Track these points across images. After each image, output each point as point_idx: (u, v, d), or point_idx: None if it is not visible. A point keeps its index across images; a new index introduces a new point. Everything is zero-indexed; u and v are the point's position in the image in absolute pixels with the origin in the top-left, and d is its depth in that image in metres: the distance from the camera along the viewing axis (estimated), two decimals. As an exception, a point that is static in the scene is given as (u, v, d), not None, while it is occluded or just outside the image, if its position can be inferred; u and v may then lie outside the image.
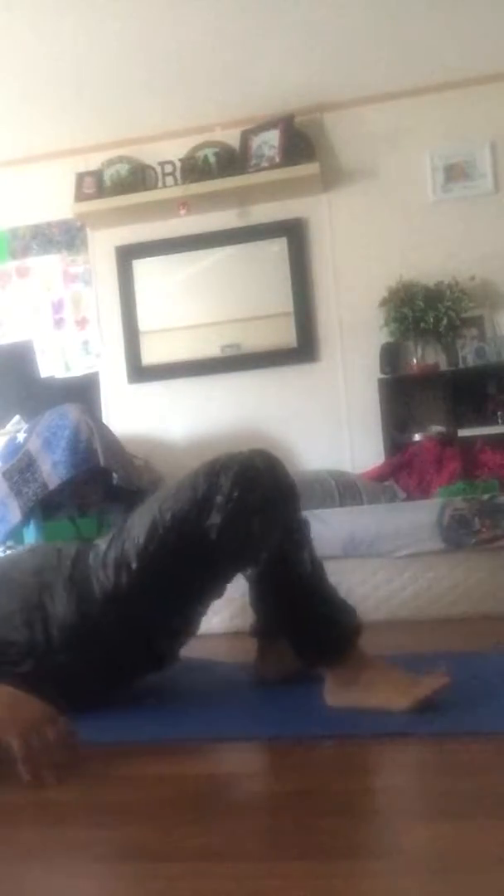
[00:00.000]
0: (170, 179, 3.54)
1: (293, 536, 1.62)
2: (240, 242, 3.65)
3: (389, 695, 1.51)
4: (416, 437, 3.32)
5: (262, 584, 1.69)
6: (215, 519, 1.51)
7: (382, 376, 3.41)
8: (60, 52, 3.01)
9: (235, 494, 1.51)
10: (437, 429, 3.32)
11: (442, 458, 3.12)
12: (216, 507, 1.51)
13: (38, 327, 3.82)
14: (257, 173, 3.48)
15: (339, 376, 3.59)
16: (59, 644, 1.60)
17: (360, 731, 1.42)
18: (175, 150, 3.59)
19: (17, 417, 3.68)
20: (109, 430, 3.20)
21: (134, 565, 1.58)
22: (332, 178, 3.58)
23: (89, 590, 1.61)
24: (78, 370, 3.80)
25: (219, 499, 1.51)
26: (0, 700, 1.36)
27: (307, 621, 1.62)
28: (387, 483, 3.11)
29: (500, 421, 3.25)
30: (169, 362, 3.68)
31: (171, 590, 1.62)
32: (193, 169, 3.52)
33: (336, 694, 1.57)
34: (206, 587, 1.66)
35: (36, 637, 1.61)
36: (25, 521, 2.97)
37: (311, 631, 1.62)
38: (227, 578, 1.67)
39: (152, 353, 3.71)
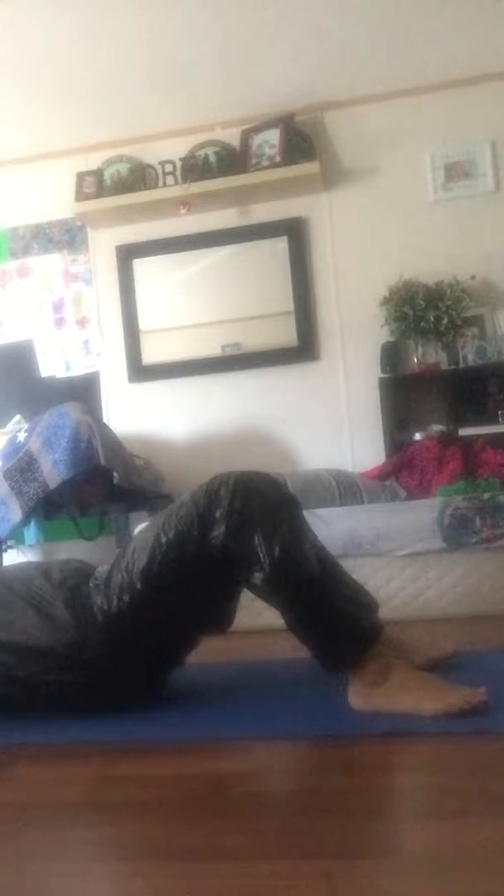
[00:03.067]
0: (170, 179, 3.54)
1: (297, 542, 1.58)
2: (240, 242, 3.65)
3: (421, 698, 1.46)
4: (417, 436, 3.32)
5: (270, 592, 1.60)
6: (218, 529, 1.55)
7: (383, 375, 3.41)
8: (61, 51, 3.02)
9: (237, 504, 1.56)
10: (437, 428, 3.32)
11: (442, 457, 3.11)
12: (218, 519, 1.56)
13: (38, 327, 3.82)
14: (258, 172, 3.47)
15: (340, 375, 3.59)
16: (46, 667, 1.62)
17: (361, 731, 1.42)
18: (175, 150, 3.59)
19: (17, 417, 3.68)
20: (110, 430, 3.21)
21: (139, 586, 1.59)
22: (332, 178, 3.58)
23: (89, 615, 1.63)
24: (78, 370, 3.80)
25: (220, 511, 1.56)
26: None
27: (320, 624, 1.57)
28: (387, 482, 3.11)
29: (500, 420, 3.24)
30: (169, 362, 3.68)
31: (171, 615, 1.63)
32: (194, 168, 3.52)
33: (361, 696, 1.52)
34: (209, 609, 1.67)
35: (24, 658, 1.63)
36: (26, 520, 2.97)
37: (326, 633, 1.57)
38: (231, 596, 1.69)
39: (153, 353, 3.71)
